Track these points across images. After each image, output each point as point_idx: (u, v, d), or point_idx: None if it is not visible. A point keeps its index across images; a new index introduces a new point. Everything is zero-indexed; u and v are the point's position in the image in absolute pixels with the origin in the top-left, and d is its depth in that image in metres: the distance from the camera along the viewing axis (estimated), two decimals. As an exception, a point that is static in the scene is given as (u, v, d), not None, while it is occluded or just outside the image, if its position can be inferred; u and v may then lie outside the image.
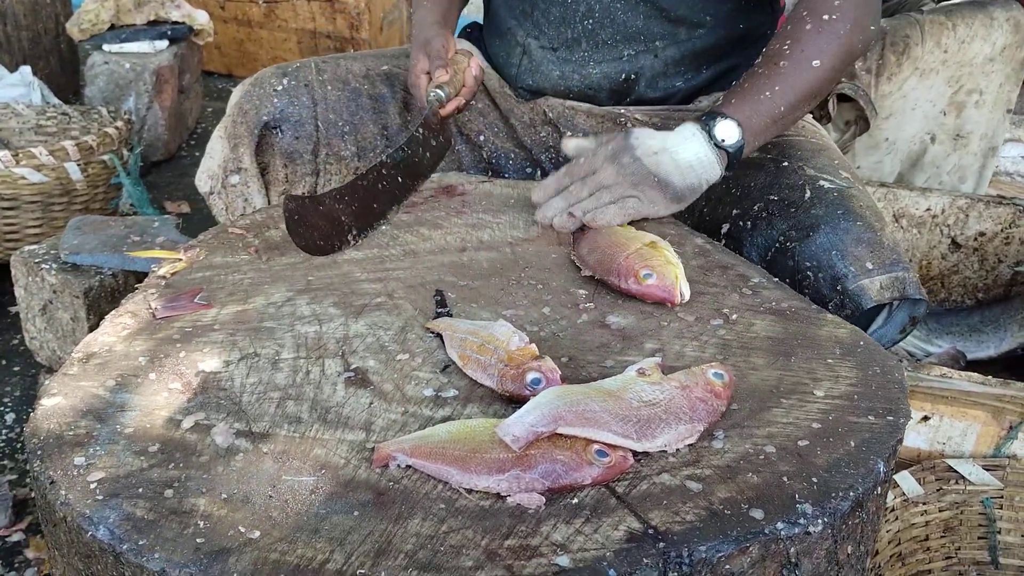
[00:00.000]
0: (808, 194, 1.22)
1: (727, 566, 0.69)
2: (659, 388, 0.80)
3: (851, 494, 0.73)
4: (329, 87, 1.51)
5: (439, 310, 0.99)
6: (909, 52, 2.26)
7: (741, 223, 1.27)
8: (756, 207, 1.26)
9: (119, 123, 2.40)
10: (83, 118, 2.68)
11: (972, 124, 2.31)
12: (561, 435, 0.75)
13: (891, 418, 0.82)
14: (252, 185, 1.49)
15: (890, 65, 2.26)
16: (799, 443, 0.79)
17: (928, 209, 2.18)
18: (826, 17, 1.21)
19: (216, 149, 1.49)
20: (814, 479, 0.74)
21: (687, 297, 1.00)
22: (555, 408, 0.76)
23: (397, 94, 1.54)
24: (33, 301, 1.52)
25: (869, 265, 1.14)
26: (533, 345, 0.87)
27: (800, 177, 1.26)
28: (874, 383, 0.87)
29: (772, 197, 1.25)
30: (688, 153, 1.17)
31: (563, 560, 0.67)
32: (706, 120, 1.18)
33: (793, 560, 0.71)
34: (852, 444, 0.78)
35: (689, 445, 0.79)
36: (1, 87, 2.89)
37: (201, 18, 3.31)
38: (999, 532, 1.41)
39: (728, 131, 1.17)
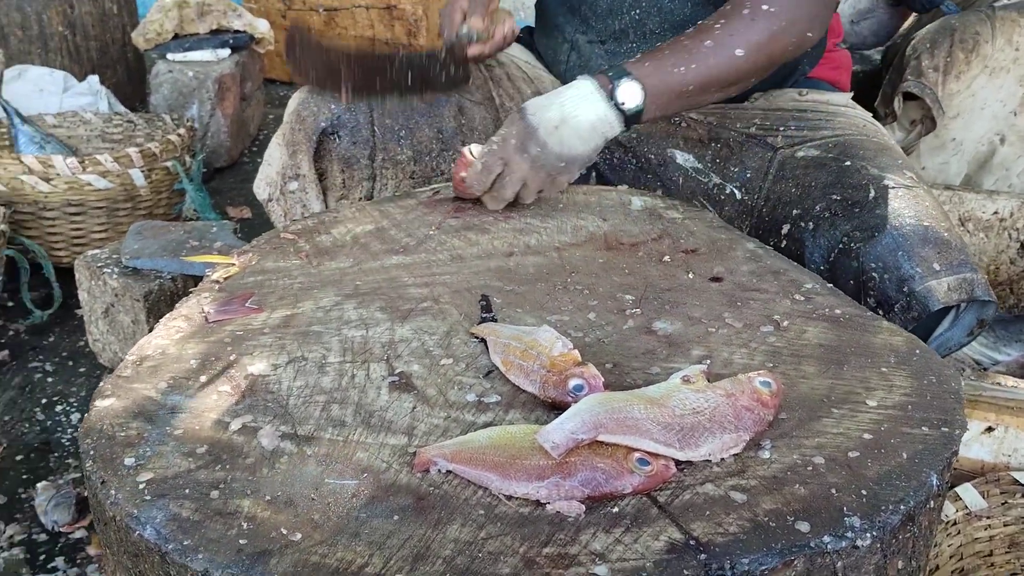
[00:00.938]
0: (872, 194, 1.20)
1: (770, 579, 0.67)
2: (704, 396, 0.79)
3: (901, 507, 0.71)
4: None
5: (484, 315, 0.99)
6: (979, 50, 2.19)
7: (803, 223, 1.25)
8: (818, 207, 1.23)
9: (182, 130, 2.46)
10: (147, 125, 2.75)
11: (1044, 124, 2.24)
12: (602, 443, 0.75)
13: (946, 429, 0.79)
14: (310, 191, 1.51)
15: (959, 63, 2.19)
16: (849, 454, 0.77)
17: (996, 212, 2.12)
18: (765, 8, 1.19)
19: (275, 156, 1.52)
20: (863, 491, 0.72)
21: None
22: (596, 415, 0.75)
23: (452, 98, 1.55)
24: (96, 304, 1.57)
25: (936, 266, 1.11)
26: (576, 351, 0.86)
27: (864, 176, 1.23)
28: (929, 393, 0.84)
29: (835, 197, 1.22)
30: (588, 115, 1.17)
31: (601, 570, 0.66)
32: (612, 76, 1.18)
33: (840, 574, 0.69)
34: (904, 456, 0.76)
35: (735, 455, 0.77)
36: (70, 96, 2.98)
37: (262, 27, 3.37)
38: (1067, 548, 1.35)
39: (630, 94, 1.17)
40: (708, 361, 0.91)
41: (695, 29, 1.24)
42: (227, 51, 3.29)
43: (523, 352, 0.87)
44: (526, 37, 1.68)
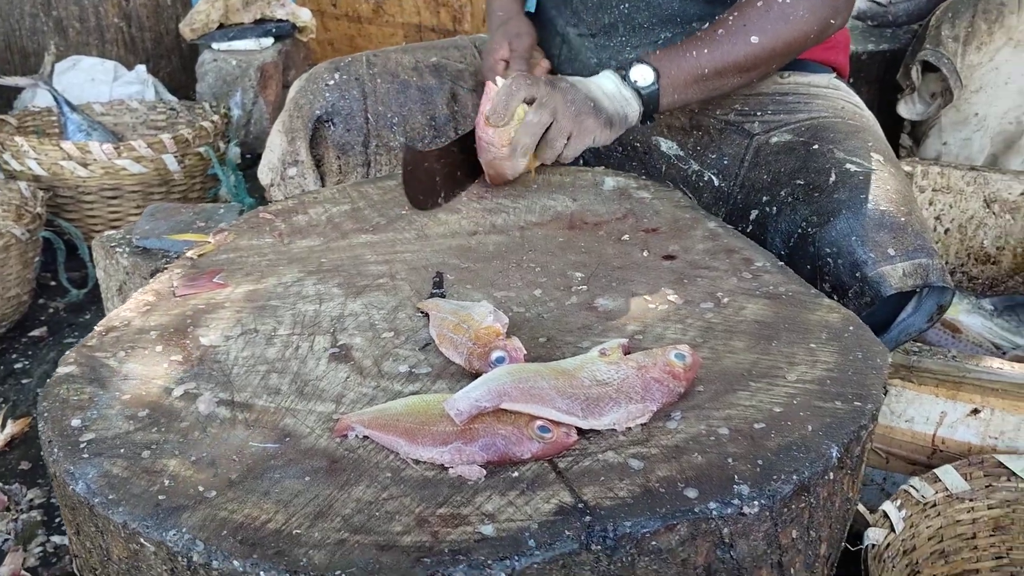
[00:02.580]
0: (833, 178, 1.19)
1: (653, 542, 0.69)
2: (615, 368, 0.81)
3: (794, 478, 0.72)
4: (379, 80, 1.56)
5: (434, 291, 1.02)
6: (1003, 20, 2.12)
7: (768, 209, 1.25)
8: (783, 192, 1.23)
9: (215, 117, 2.54)
10: (189, 113, 2.85)
11: (1073, 103, 2.16)
12: (507, 411, 0.77)
13: (859, 404, 0.80)
14: (308, 177, 1.56)
15: (980, 33, 2.13)
16: (755, 426, 0.78)
17: (1022, 193, 2.06)
18: (779, 0, 1.21)
19: (275, 143, 1.57)
20: (760, 461, 0.74)
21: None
22: (502, 384, 0.78)
23: (445, 85, 1.58)
24: (111, 282, 1.65)
25: (891, 251, 1.10)
26: (499, 324, 0.89)
27: (828, 161, 1.23)
28: (852, 369, 0.85)
29: (799, 182, 1.22)
30: (607, 85, 1.23)
31: (487, 529, 0.69)
32: (624, 65, 1.24)
33: (727, 541, 0.71)
34: (809, 428, 0.77)
35: (642, 425, 0.79)
36: (120, 85, 3.10)
37: (304, 15, 3.45)
38: (1056, 534, 1.33)
39: (641, 74, 1.23)
40: (640, 336, 0.92)
41: (709, 24, 1.28)
42: (270, 40, 3.37)
43: (455, 326, 0.91)
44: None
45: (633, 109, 1.24)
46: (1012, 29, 2.13)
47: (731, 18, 1.25)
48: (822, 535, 0.77)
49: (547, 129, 1.18)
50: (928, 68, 2.20)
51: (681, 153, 1.42)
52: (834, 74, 1.47)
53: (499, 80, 1.21)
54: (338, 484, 0.75)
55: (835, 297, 1.11)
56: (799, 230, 1.18)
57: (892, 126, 2.45)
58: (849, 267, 1.11)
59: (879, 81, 2.42)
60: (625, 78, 1.23)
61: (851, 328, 0.91)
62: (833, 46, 1.51)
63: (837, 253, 1.12)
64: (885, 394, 0.83)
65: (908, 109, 2.26)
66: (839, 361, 0.86)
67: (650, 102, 1.24)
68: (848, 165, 1.20)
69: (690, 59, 1.23)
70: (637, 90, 1.23)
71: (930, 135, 2.25)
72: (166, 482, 0.75)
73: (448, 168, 1.25)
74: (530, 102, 1.18)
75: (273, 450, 0.79)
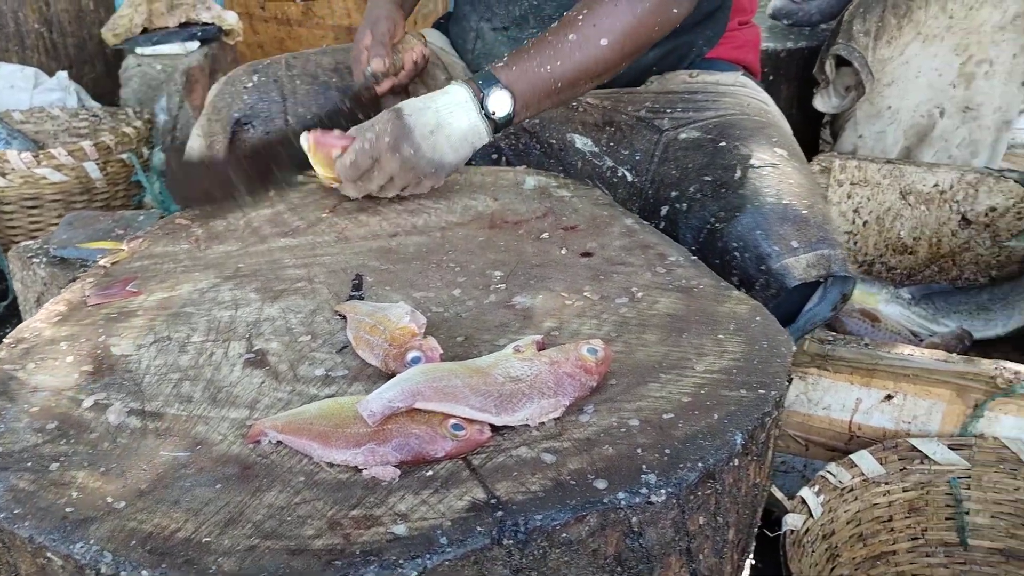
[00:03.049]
0: (738, 174, 1.22)
1: (564, 534, 0.70)
2: (528, 364, 0.82)
3: (700, 465, 0.74)
4: (298, 82, 1.55)
5: (352, 293, 1.02)
6: (911, 15, 2.20)
7: (678, 205, 1.27)
8: (692, 188, 1.26)
9: (138, 123, 2.50)
10: (112, 119, 2.80)
11: (983, 96, 2.24)
12: (422, 411, 0.78)
13: (763, 391, 0.82)
14: None
15: (890, 28, 2.20)
16: (664, 416, 0.80)
17: (936, 185, 2.13)
18: None
19: (194, 146, 1.55)
20: (667, 451, 0.75)
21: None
22: (415, 384, 0.78)
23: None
24: (29, 293, 1.61)
25: (794, 244, 1.13)
26: (415, 325, 0.89)
27: (734, 157, 1.26)
28: (757, 358, 0.87)
29: (706, 178, 1.25)
30: (461, 123, 1.19)
31: (400, 529, 0.69)
32: (482, 85, 1.20)
33: (636, 529, 0.73)
34: (715, 417, 0.79)
35: (555, 419, 0.80)
36: (40, 92, 3.03)
37: (230, 19, 3.40)
38: (967, 513, 1.38)
39: (500, 103, 1.20)
40: (556, 333, 0.94)
41: (559, 22, 1.25)
42: (196, 44, 3.32)
43: (371, 327, 0.91)
44: (444, 23, 1.71)
45: (482, 140, 1.22)
46: (920, 24, 2.20)
47: (581, 18, 1.23)
48: (729, 521, 0.79)
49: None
50: (841, 62, 2.26)
51: (596, 149, 1.44)
52: (742, 72, 1.51)
53: (311, 136, 1.23)
54: (250, 490, 0.74)
55: (744, 290, 1.14)
56: (708, 225, 1.21)
57: (813, 122, 2.52)
58: (755, 260, 1.14)
59: (798, 78, 2.49)
60: (483, 106, 1.20)
61: (758, 319, 0.94)
62: (742, 45, 1.54)
63: (743, 247, 1.15)
64: (789, 382, 0.86)
65: (823, 103, 2.33)
66: (745, 351, 0.88)
67: (503, 125, 1.22)
68: (753, 161, 1.23)
69: (544, 75, 1.22)
70: (493, 120, 1.21)
71: (846, 129, 2.32)
72: (74, 494, 0.74)
73: (255, 168, 1.26)
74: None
75: (184, 458, 0.78)
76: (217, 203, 1.22)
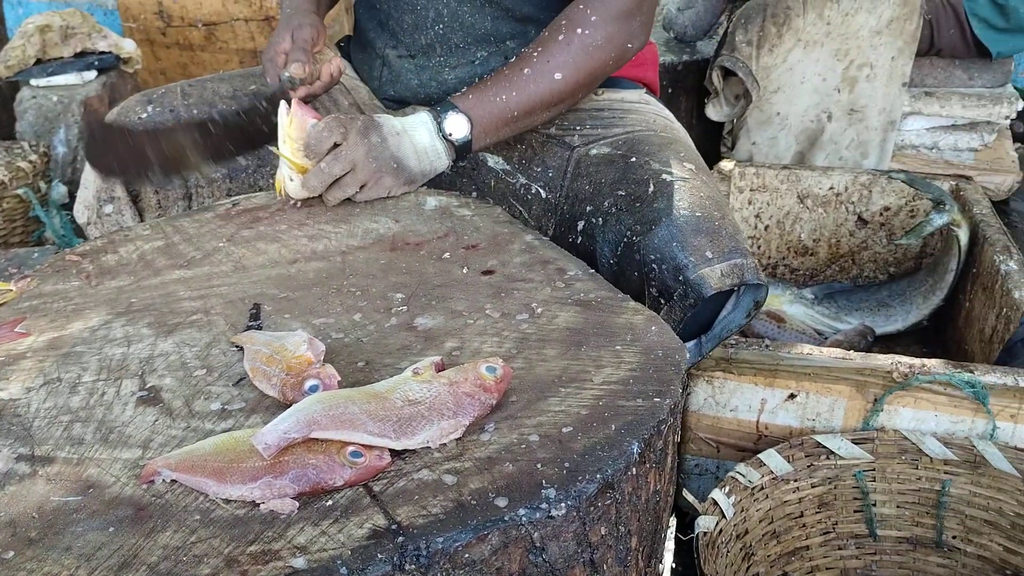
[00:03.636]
0: (651, 188, 1.25)
1: (466, 555, 0.71)
2: (427, 386, 0.82)
3: (598, 476, 0.75)
4: (195, 111, 1.52)
5: (250, 323, 1.01)
6: (790, 23, 2.28)
7: (594, 220, 1.29)
8: (607, 203, 1.28)
9: (34, 156, 2.42)
10: (7, 154, 2.70)
11: (866, 98, 2.33)
12: (319, 440, 0.77)
13: (658, 400, 0.84)
14: (126, 213, 1.50)
15: (771, 36, 2.27)
16: (563, 430, 0.80)
17: (831, 187, 2.20)
18: (579, 31, 1.29)
19: (89, 180, 1.51)
20: (566, 464, 0.76)
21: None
22: (310, 413, 0.77)
23: None
24: (-83, 340, 1.54)
25: (709, 254, 1.16)
26: (312, 353, 0.89)
27: (646, 172, 1.28)
28: (653, 367, 0.89)
29: (620, 192, 1.27)
30: (423, 138, 1.26)
31: (299, 562, 0.69)
32: (440, 111, 1.27)
33: (538, 544, 0.73)
34: (613, 428, 0.80)
35: (456, 440, 0.80)
36: (-72, 128, 2.91)
37: (128, 46, 3.33)
38: (874, 504, 1.43)
39: (457, 126, 1.27)
40: (458, 352, 0.94)
41: (515, 59, 1.32)
42: (93, 73, 3.24)
43: (268, 357, 0.90)
44: (345, 47, 1.70)
45: (443, 161, 1.29)
46: (800, 31, 2.28)
47: (535, 54, 1.30)
48: (631, 529, 0.80)
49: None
50: (729, 72, 2.33)
51: (508, 167, 1.45)
52: (644, 90, 1.54)
53: (293, 104, 1.24)
54: (144, 532, 0.72)
55: (662, 300, 1.16)
56: (624, 239, 1.23)
57: (712, 132, 2.58)
58: (672, 271, 1.17)
59: (696, 90, 2.55)
60: (440, 128, 1.27)
61: (653, 328, 0.96)
62: (641, 63, 1.58)
63: (661, 259, 1.18)
64: (684, 389, 0.88)
65: (715, 112, 2.40)
66: (641, 361, 0.90)
67: (463, 150, 1.29)
68: (664, 175, 1.26)
69: (500, 103, 1.29)
70: (451, 142, 1.28)
71: (740, 136, 2.39)
72: (-43, 548, 0.71)
73: (169, 149, 1.25)
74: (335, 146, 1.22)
75: (75, 503, 0.76)
76: (130, 176, 1.25)
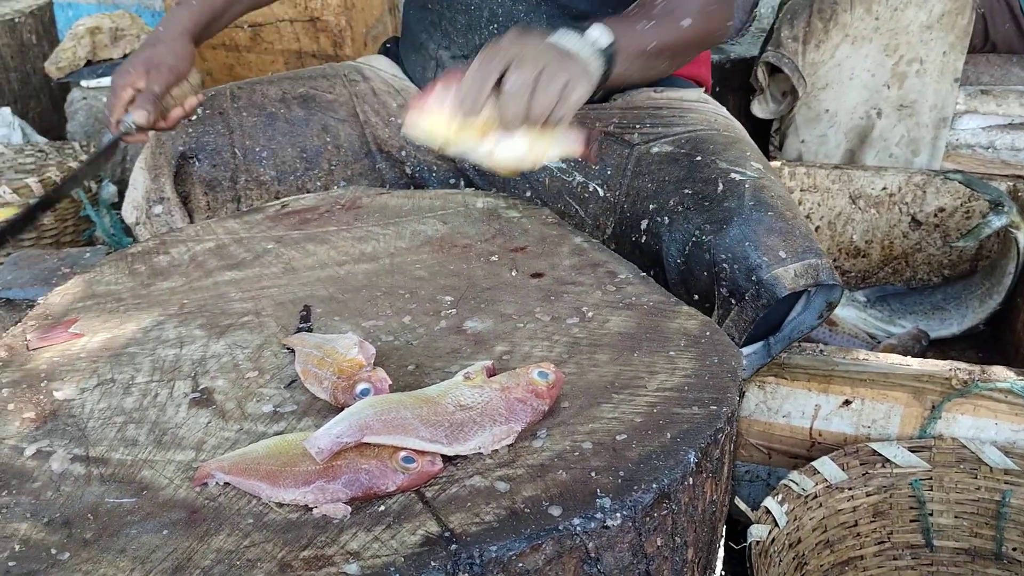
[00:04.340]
0: (721, 187, 1.23)
1: (520, 564, 0.69)
2: (479, 391, 0.81)
3: (654, 486, 0.74)
4: (244, 113, 1.53)
5: (300, 325, 1.01)
6: (837, 18, 2.23)
7: (659, 218, 1.28)
8: (672, 202, 1.27)
9: (84, 156, 2.46)
10: (59, 154, 2.74)
11: (916, 94, 2.28)
12: (371, 444, 0.77)
13: (715, 408, 0.82)
14: (175, 214, 1.51)
15: (817, 32, 2.23)
16: (617, 438, 0.79)
17: (884, 188, 2.16)
18: None
19: (138, 180, 1.53)
20: (621, 473, 0.75)
21: None
22: (363, 418, 0.77)
23: (314, 116, 1.56)
24: (-26, 338, 1.57)
25: (782, 254, 1.14)
26: (363, 356, 0.88)
27: (713, 171, 1.27)
28: (708, 373, 0.87)
29: (687, 191, 1.26)
30: (567, 42, 1.10)
31: (352, 568, 0.68)
32: (578, 27, 1.14)
33: (593, 555, 0.72)
34: (668, 436, 0.79)
35: (508, 446, 0.79)
36: (-17, 129, 2.97)
37: (177, 48, 3.37)
38: (931, 514, 1.39)
39: (600, 32, 1.13)
40: (508, 356, 0.93)
41: (636, 5, 1.25)
42: (142, 74, 3.28)
43: (320, 360, 0.89)
44: (393, 48, 1.70)
45: (597, 64, 1.11)
46: (847, 26, 2.23)
47: (659, 2, 1.22)
48: (687, 540, 0.79)
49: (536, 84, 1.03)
50: (776, 69, 2.29)
51: (563, 165, 1.44)
52: (702, 89, 1.53)
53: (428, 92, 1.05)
54: (198, 535, 0.72)
55: (733, 300, 1.15)
56: (693, 238, 1.21)
57: (760, 131, 2.54)
58: (744, 272, 1.15)
59: (743, 88, 2.51)
60: (584, 36, 1.13)
61: (708, 333, 0.94)
62: (696, 61, 1.56)
63: (732, 259, 1.16)
64: (741, 396, 0.86)
65: (761, 109, 2.36)
66: (696, 367, 0.88)
67: (606, 64, 1.13)
68: (733, 175, 1.24)
69: (639, 31, 1.18)
70: (598, 49, 1.12)
71: (788, 134, 2.35)
72: (16, 547, 0.72)
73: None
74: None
75: (130, 505, 0.76)
76: None
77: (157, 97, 1.31)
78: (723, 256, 1.18)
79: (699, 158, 1.31)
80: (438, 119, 1.04)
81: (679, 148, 1.35)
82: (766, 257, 1.15)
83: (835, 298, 1.22)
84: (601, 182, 1.41)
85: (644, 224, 1.31)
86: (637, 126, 1.43)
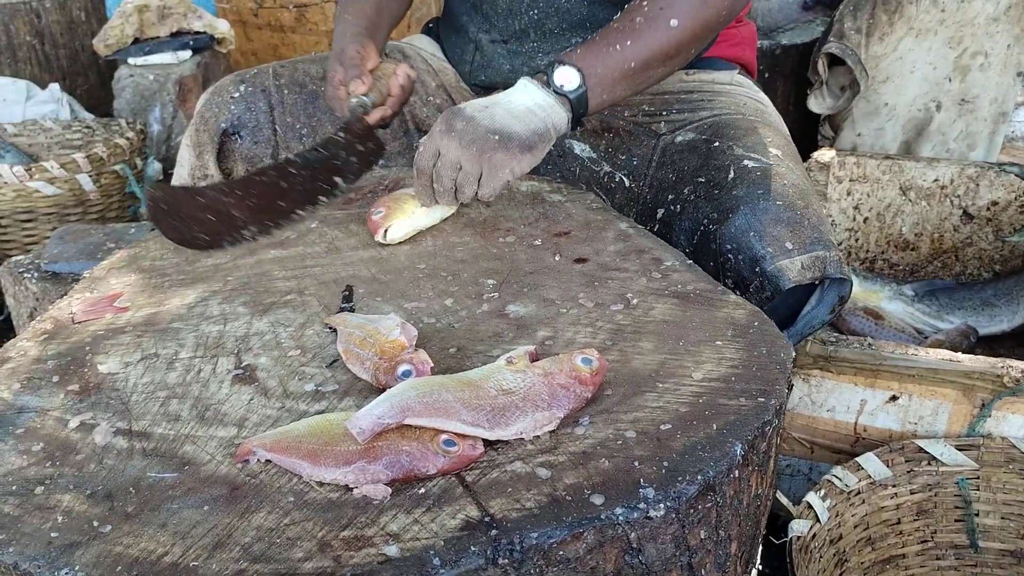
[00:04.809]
0: (731, 175, 1.20)
1: (560, 552, 0.68)
2: (521, 376, 0.80)
3: (699, 478, 0.72)
4: (286, 91, 1.53)
5: (343, 305, 1.01)
6: (902, 11, 2.18)
7: (673, 208, 1.26)
8: (686, 190, 1.24)
9: (130, 134, 2.48)
10: (105, 130, 2.78)
11: (978, 88, 2.22)
12: (412, 426, 0.76)
13: (763, 400, 0.80)
14: None
15: (881, 24, 2.18)
16: (661, 427, 0.78)
17: (936, 180, 2.11)
18: None
19: (184, 157, 1.54)
20: (665, 463, 0.73)
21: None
22: (405, 399, 0.76)
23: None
24: (21, 309, 1.59)
25: (789, 245, 1.11)
26: (405, 337, 0.87)
27: (727, 158, 1.24)
28: (756, 364, 0.85)
29: (700, 180, 1.23)
30: (523, 100, 1.12)
31: (392, 550, 0.68)
32: (546, 68, 1.14)
33: (635, 546, 0.71)
34: (714, 427, 0.77)
35: (550, 432, 0.78)
36: (33, 104, 3.01)
37: (222, 27, 3.39)
38: (977, 515, 1.36)
39: (566, 77, 1.12)
40: (551, 342, 0.92)
41: (622, 13, 1.21)
42: (188, 52, 3.31)
43: (362, 340, 0.89)
44: (434, 28, 1.69)
45: (561, 117, 1.14)
46: (912, 19, 2.18)
47: (646, 3, 1.18)
48: (731, 534, 0.77)
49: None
50: (835, 61, 2.24)
51: (593, 155, 1.42)
52: (738, 70, 1.49)
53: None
54: (238, 512, 0.72)
55: (738, 292, 1.12)
56: (701, 227, 1.19)
57: (811, 118, 2.50)
58: (749, 262, 1.12)
59: (794, 75, 2.47)
60: (548, 84, 1.14)
61: (756, 324, 0.92)
62: (739, 42, 1.52)
63: (737, 249, 1.13)
64: (790, 389, 0.84)
65: (818, 104, 2.30)
66: (744, 358, 0.86)
67: (579, 106, 1.15)
68: (746, 162, 1.21)
69: (615, 54, 1.16)
70: (564, 95, 1.14)
71: (844, 127, 2.30)
72: (59, 519, 0.72)
73: (255, 201, 1.13)
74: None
75: (171, 479, 0.76)
76: (219, 240, 1.09)
77: (359, 69, 1.29)
78: (728, 246, 1.15)
79: (717, 144, 1.28)
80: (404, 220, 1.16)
81: (700, 135, 1.33)
82: (771, 248, 1.12)
83: (846, 292, 1.17)
84: (627, 172, 1.39)
85: (659, 214, 1.29)
86: (664, 113, 1.40)
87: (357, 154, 1.23)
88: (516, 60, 1.45)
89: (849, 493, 1.31)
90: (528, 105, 1.13)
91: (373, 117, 1.28)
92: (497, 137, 1.09)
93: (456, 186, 1.12)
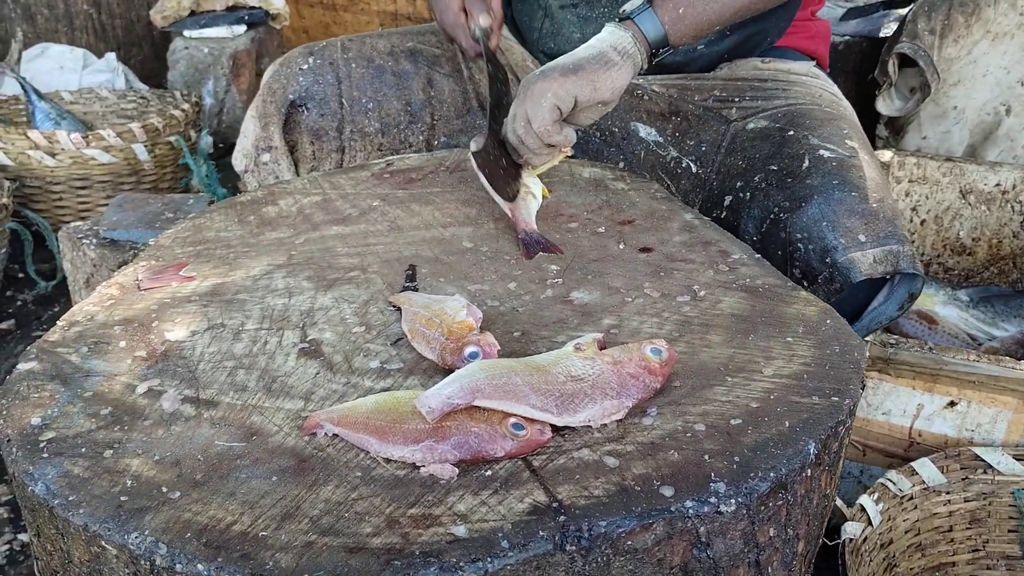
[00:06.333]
0: (806, 164, 1.18)
1: (629, 542, 0.68)
2: (590, 363, 0.79)
3: (771, 475, 0.71)
4: (354, 65, 1.53)
5: (406, 284, 1.00)
6: (980, 13, 2.12)
7: (742, 195, 1.24)
8: (757, 178, 1.22)
9: (186, 105, 2.50)
10: (159, 101, 2.81)
11: (1050, 93, 2.17)
12: (480, 408, 0.76)
13: (836, 399, 0.79)
14: (282, 163, 1.53)
15: (957, 26, 2.13)
16: (731, 422, 0.77)
17: (998, 184, 2.06)
18: None
19: (249, 128, 1.54)
20: (736, 458, 0.73)
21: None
22: (474, 380, 0.76)
23: (421, 70, 1.55)
24: (78, 274, 1.61)
25: (862, 237, 1.09)
26: (471, 319, 0.87)
27: (802, 147, 1.22)
28: (829, 363, 0.84)
29: (772, 167, 1.21)
30: (585, 45, 1.14)
31: (460, 530, 0.67)
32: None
33: (704, 540, 0.70)
34: (787, 424, 0.76)
35: (618, 421, 0.78)
36: (89, 73, 3.05)
37: (277, 3, 3.40)
38: (1031, 525, 1.33)
39: (630, 3, 1.14)
40: (616, 331, 0.91)
41: None
42: (243, 27, 3.32)
43: (428, 320, 0.89)
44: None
45: (622, 38, 1.12)
46: (989, 22, 2.12)
47: None
48: (800, 533, 0.76)
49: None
50: (905, 63, 2.19)
51: (660, 139, 1.41)
52: (814, 63, 1.46)
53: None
54: (306, 484, 0.73)
55: (805, 283, 1.10)
56: (771, 215, 1.17)
57: (869, 116, 2.45)
58: (819, 253, 1.10)
59: (856, 71, 2.42)
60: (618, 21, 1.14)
61: (828, 321, 0.90)
62: (814, 35, 1.50)
63: (808, 238, 1.11)
64: (863, 389, 0.82)
65: (886, 105, 2.25)
66: (816, 355, 0.85)
67: (648, 28, 1.13)
68: (822, 151, 1.19)
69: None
70: (629, 19, 1.13)
71: (909, 130, 2.25)
72: (128, 483, 0.73)
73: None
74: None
75: (239, 449, 0.77)
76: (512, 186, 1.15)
77: (489, 2, 1.35)
78: (799, 235, 1.13)
79: (791, 132, 1.26)
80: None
81: (774, 123, 1.30)
82: (843, 239, 1.10)
83: (917, 289, 1.15)
84: (695, 158, 1.37)
85: (727, 200, 1.27)
86: (737, 99, 1.38)
87: (505, 81, 1.29)
88: (587, 27, 1.43)
89: (902, 498, 1.29)
90: (590, 42, 1.14)
91: (492, 43, 1.35)
92: (571, 64, 1.11)
93: (519, 138, 1.13)
